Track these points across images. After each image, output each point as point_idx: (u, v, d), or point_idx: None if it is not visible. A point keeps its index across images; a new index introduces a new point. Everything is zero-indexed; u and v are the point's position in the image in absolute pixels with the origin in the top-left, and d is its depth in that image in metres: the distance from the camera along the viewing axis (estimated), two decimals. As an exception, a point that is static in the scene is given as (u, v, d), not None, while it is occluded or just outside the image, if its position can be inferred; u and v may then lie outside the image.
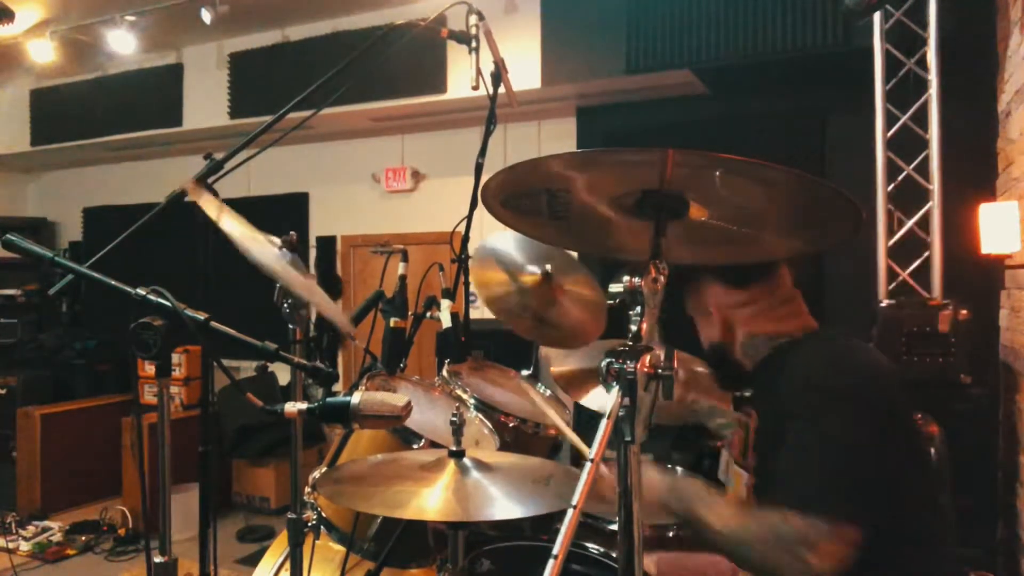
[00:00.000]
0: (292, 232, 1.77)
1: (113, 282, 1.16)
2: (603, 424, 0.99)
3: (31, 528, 4.64)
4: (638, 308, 1.05)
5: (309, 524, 1.72)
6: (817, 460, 1.28)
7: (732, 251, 1.30)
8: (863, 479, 1.26)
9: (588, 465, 0.98)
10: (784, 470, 1.32)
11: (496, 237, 2.15)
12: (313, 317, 1.75)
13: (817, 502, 1.23)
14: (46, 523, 4.73)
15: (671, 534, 1.96)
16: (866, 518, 1.23)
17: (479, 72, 2.09)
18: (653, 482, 1.45)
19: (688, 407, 1.98)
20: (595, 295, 2.08)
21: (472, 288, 2.27)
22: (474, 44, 2.09)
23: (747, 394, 1.64)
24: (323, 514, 1.76)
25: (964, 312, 3.01)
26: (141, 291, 1.13)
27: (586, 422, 4.07)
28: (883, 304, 3.24)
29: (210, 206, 1.42)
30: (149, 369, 1.19)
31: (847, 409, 1.30)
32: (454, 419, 1.42)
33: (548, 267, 2.18)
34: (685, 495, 1.42)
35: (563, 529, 0.96)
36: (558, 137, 5.20)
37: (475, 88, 2.10)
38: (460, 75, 4.64)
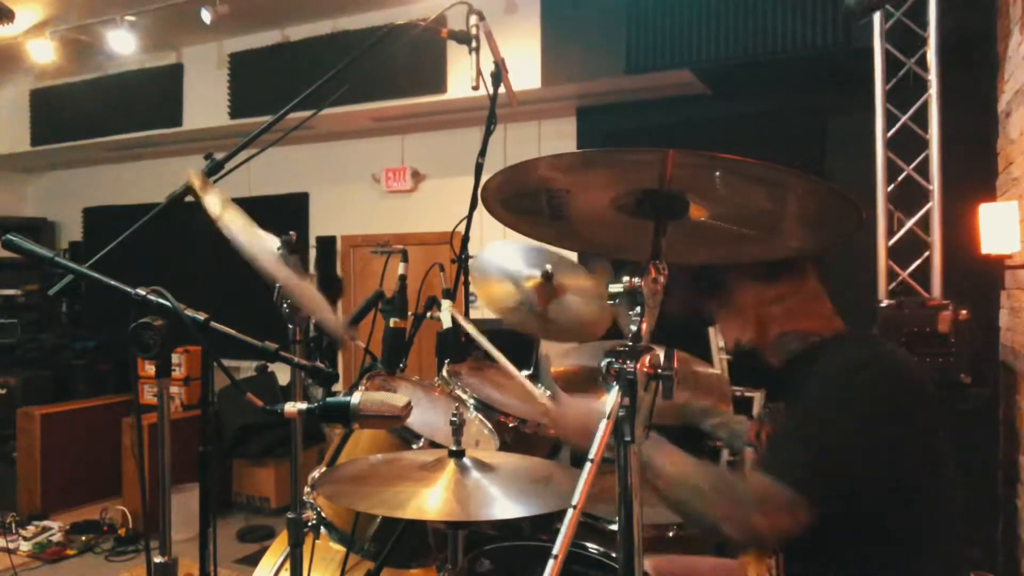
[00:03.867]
0: (292, 232, 1.78)
1: (113, 282, 1.16)
2: (603, 424, 0.99)
3: (31, 528, 4.64)
4: (638, 308, 1.05)
5: (309, 524, 1.72)
6: (802, 434, 1.29)
7: (733, 251, 1.30)
8: (842, 467, 1.26)
9: (588, 465, 0.98)
10: (770, 439, 1.35)
11: (492, 248, 2.16)
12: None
13: (786, 471, 1.24)
14: (46, 523, 4.73)
15: (671, 534, 1.96)
16: (828, 504, 1.23)
17: (479, 72, 2.10)
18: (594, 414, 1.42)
19: (680, 408, 1.96)
20: (598, 288, 2.10)
21: (472, 289, 2.28)
22: (474, 44, 2.09)
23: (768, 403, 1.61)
24: (323, 514, 1.76)
25: (964, 312, 3.01)
26: (141, 291, 1.13)
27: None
28: (883, 304, 3.24)
29: (213, 198, 1.41)
30: (149, 369, 1.19)
31: (855, 401, 1.29)
32: (454, 419, 1.42)
33: (548, 267, 2.19)
34: (654, 441, 1.40)
35: (563, 529, 0.96)
36: (558, 137, 5.20)
37: (475, 88, 2.10)
38: (460, 75, 4.64)
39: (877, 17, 3.48)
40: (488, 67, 2.13)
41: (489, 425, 1.91)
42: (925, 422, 1.35)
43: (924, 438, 1.35)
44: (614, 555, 1.68)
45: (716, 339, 4.18)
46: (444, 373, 2.10)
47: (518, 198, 1.14)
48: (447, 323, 2.17)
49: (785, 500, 1.21)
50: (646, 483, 1.32)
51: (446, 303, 2.19)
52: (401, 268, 2.28)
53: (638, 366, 1.00)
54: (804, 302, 1.49)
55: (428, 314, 2.23)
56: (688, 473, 1.31)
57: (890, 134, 3.54)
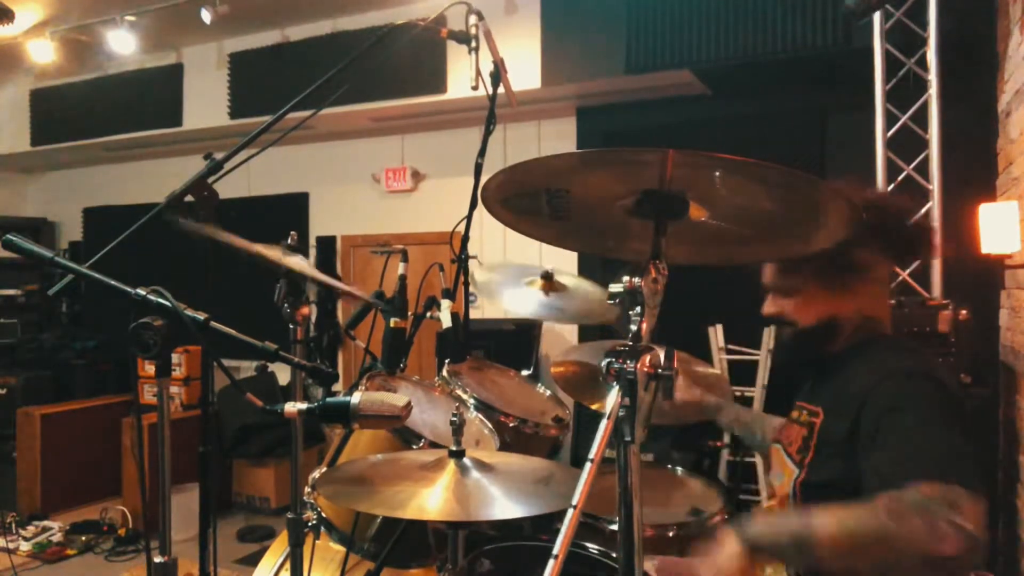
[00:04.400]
0: (292, 232, 1.78)
1: (113, 282, 1.16)
2: (603, 424, 0.99)
3: (31, 528, 4.64)
4: (638, 308, 1.05)
5: (309, 524, 1.72)
6: (940, 436, 1.25)
7: (733, 251, 1.30)
8: (974, 455, 1.25)
9: (588, 465, 0.98)
10: (900, 455, 1.25)
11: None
12: (313, 317, 1.76)
13: (952, 470, 1.18)
14: (46, 523, 4.73)
15: (671, 534, 1.97)
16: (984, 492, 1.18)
17: (479, 72, 2.10)
18: (732, 543, 1.33)
19: (698, 405, 1.97)
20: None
21: (472, 288, 2.28)
22: (474, 44, 2.09)
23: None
24: (323, 514, 1.76)
25: (964, 312, 3.01)
26: (141, 291, 1.13)
27: (586, 422, 4.08)
28: (883, 304, 3.24)
29: None
30: (149, 369, 1.19)
31: (948, 392, 1.33)
32: (454, 419, 1.42)
33: (548, 267, 2.20)
34: (779, 522, 1.38)
35: (563, 529, 0.96)
36: (558, 137, 5.20)
37: (475, 88, 2.10)
38: (460, 75, 4.64)
39: (877, 17, 3.48)
40: (488, 67, 2.13)
41: (489, 425, 1.91)
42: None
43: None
44: (614, 555, 1.68)
45: (716, 339, 4.18)
46: (444, 373, 2.10)
47: (518, 198, 1.14)
48: (447, 323, 2.17)
49: (966, 495, 1.15)
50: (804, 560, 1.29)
51: (446, 303, 2.19)
52: (401, 268, 2.28)
53: (638, 366, 1.00)
54: (886, 291, 1.56)
55: (428, 314, 2.23)
56: (859, 519, 1.19)
57: (890, 134, 3.54)
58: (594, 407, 2.08)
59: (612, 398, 1.01)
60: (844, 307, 1.50)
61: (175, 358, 5.19)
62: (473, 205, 1.99)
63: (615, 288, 1.07)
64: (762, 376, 3.97)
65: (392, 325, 2.16)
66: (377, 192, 5.92)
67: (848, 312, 1.50)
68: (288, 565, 1.68)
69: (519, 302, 2.28)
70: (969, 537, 1.11)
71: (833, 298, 1.50)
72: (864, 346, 1.49)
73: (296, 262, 1.66)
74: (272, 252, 1.64)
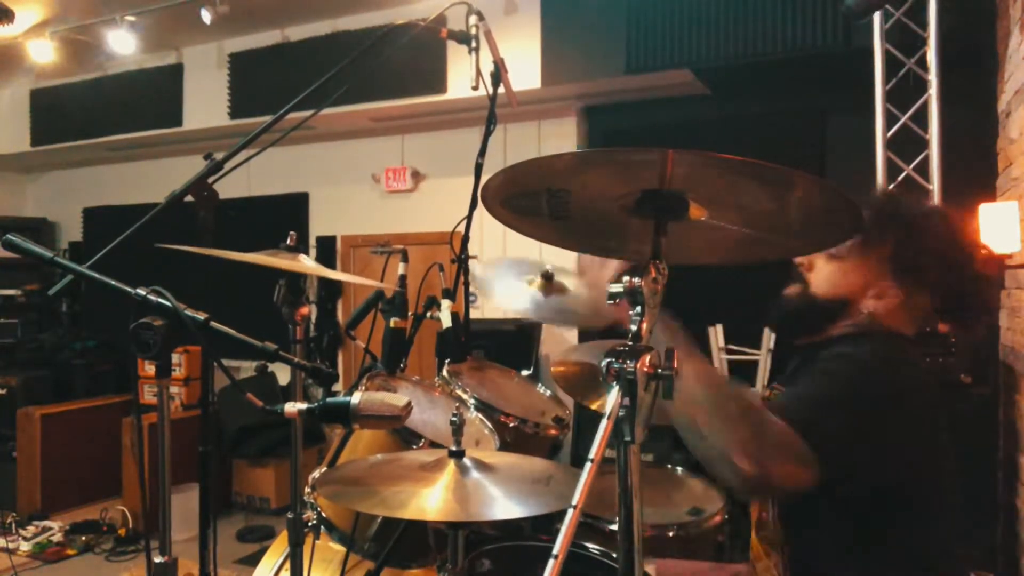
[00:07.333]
0: (292, 232, 1.78)
1: (113, 282, 1.16)
2: (603, 424, 0.99)
3: (31, 528, 4.64)
4: (638, 308, 1.05)
5: (309, 524, 1.72)
6: (823, 407, 1.30)
7: (734, 252, 1.30)
8: (836, 440, 1.26)
9: (588, 465, 0.98)
10: (793, 395, 1.39)
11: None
12: (313, 317, 1.76)
13: (811, 431, 1.23)
14: (46, 523, 4.73)
15: (671, 534, 1.97)
16: (827, 469, 1.22)
17: (479, 72, 2.10)
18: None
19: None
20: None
21: (472, 288, 2.28)
22: (474, 44, 2.09)
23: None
24: (323, 514, 1.76)
25: (964, 312, 3.00)
26: (141, 291, 1.13)
27: (586, 422, 4.09)
28: (883, 304, 3.23)
29: None
30: (149, 369, 1.19)
31: (873, 387, 1.34)
32: (454, 419, 1.42)
33: (548, 267, 2.20)
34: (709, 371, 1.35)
35: (563, 529, 0.96)
36: (558, 137, 5.20)
37: (475, 88, 2.11)
38: (460, 75, 4.64)
39: (877, 17, 3.48)
40: (488, 67, 2.13)
41: (489, 425, 1.91)
42: (917, 426, 1.36)
43: (916, 440, 1.35)
44: (614, 555, 1.68)
45: (716, 339, 4.18)
46: (444, 373, 2.10)
47: (518, 198, 1.14)
48: (447, 323, 2.17)
49: (802, 452, 1.21)
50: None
51: (446, 303, 2.19)
52: (401, 268, 2.28)
53: (638, 366, 1.00)
54: (909, 317, 1.48)
55: (428, 314, 2.23)
56: (725, 395, 1.26)
57: (890, 134, 3.54)
58: (594, 407, 2.08)
59: (612, 398, 1.01)
60: (865, 302, 1.46)
61: (175, 358, 5.18)
62: (473, 205, 1.99)
63: (615, 288, 1.06)
64: (762, 376, 3.97)
65: (392, 325, 2.16)
66: (377, 192, 5.92)
67: (864, 307, 1.46)
68: (288, 565, 1.67)
69: (514, 298, 2.25)
70: (764, 479, 1.20)
71: (864, 288, 1.46)
72: (855, 337, 1.45)
73: (304, 264, 1.66)
74: (277, 259, 1.64)
